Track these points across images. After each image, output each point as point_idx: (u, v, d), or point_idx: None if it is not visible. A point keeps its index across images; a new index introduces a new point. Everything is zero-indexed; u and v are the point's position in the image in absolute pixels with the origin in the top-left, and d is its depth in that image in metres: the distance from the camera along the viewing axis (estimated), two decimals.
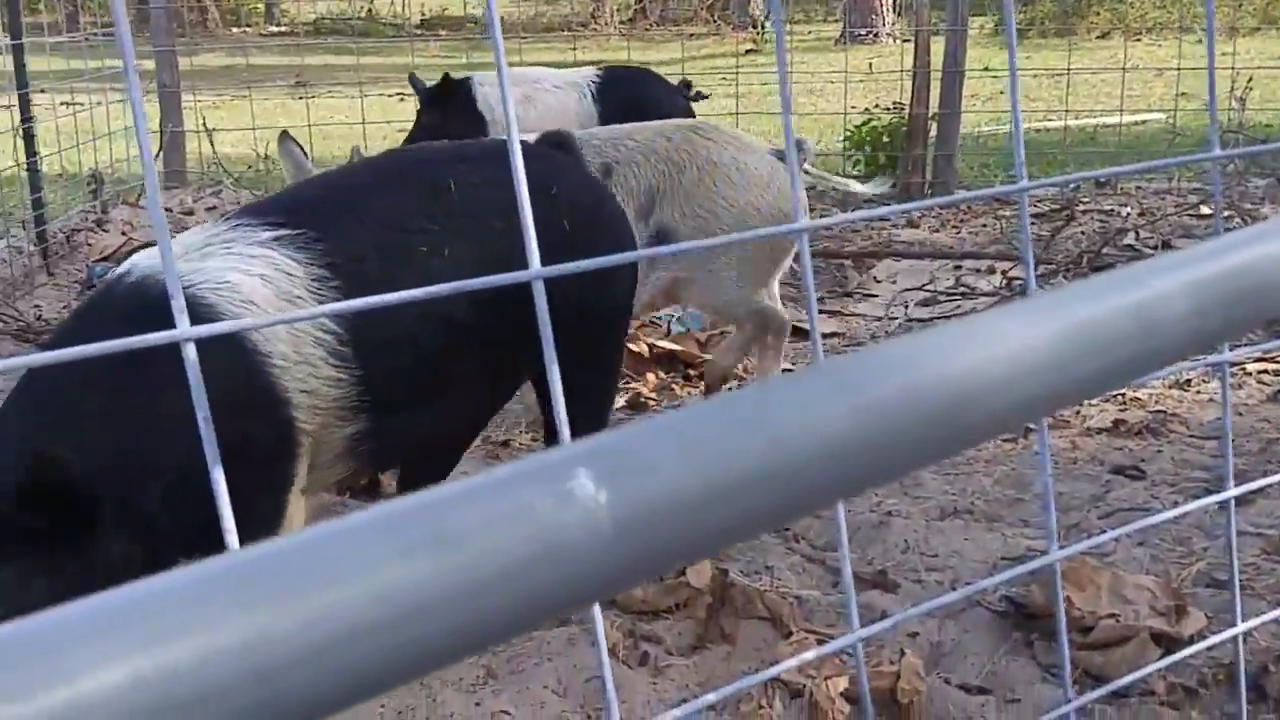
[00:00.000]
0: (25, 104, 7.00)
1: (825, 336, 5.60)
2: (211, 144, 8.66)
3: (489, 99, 6.62)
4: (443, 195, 3.11)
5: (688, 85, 7.15)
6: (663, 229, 4.62)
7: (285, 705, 0.58)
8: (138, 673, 0.54)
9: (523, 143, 3.90)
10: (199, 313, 2.70)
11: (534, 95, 6.73)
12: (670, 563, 0.73)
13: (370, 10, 25.46)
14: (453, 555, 0.64)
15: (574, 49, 13.76)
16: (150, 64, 8.89)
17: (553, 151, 3.51)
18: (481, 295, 2.95)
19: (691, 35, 20.03)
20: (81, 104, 8.00)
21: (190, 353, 1.13)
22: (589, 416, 3.38)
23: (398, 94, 12.98)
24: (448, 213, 3.08)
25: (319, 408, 2.90)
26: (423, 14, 24.80)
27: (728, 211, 4.66)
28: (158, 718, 0.54)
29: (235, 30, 23.27)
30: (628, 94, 6.72)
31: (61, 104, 8.22)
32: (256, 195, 7.95)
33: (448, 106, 6.58)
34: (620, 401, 4.85)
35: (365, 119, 9.06)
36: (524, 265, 3.34)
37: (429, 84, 6.73)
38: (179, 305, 1.18)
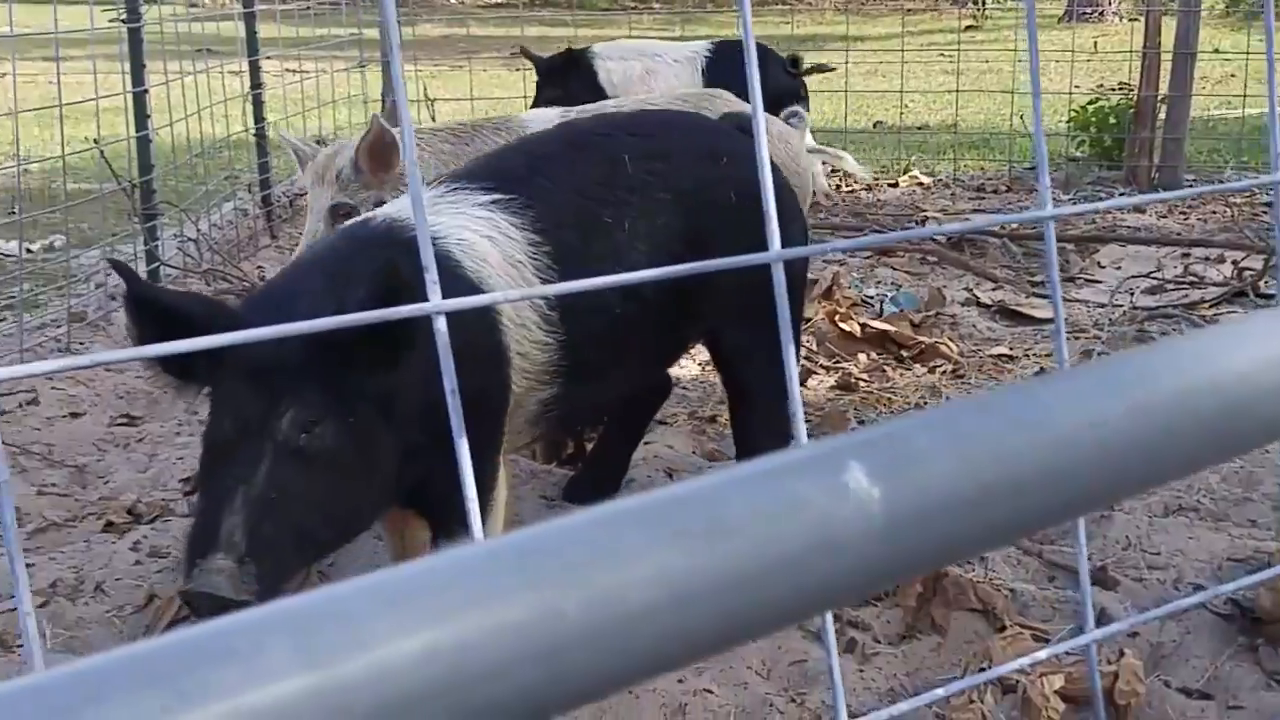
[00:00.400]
0: (255, 70, 7.19)
1: (1044, 323, 5.49)
2: (432, 114, 8.80)
3: (611, 73, 6.62)
4: (619, 167, 3.21)
5: (794, 61, 7.09)
6: None
7: (566, 684, 0.59)
8: (431, 644, 0.55)
9: (705, 117, 3.90)
10: (445, 265, 2.76)
11: (656, 69, 6.74)
12: (940, 561, 0.72)
13: None
14: (728, 543, 0.64)
15: (789, 22, 13.68)
16: (373, 33, 9.07)
17: (727, 126, 3.58)
18: (660, 265, 3.01)
19: (909, 10, 19.76)
20: (308, 72, 8.19)
21: (441, 325, 1.15)
22: (775, 380, 3.44)
23: None
24: (626, 185, 3.19)
25: (527, 370, 2.98)
26: None
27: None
28: (449, 689, 0.55)
29: (454, 1, 23.64)
30: (737, 69, 6.68)
31: (287, 70, 8.43)
32: None
33: (569, 79, 6.60)
34: (830, 381, 4.82)
35: None
36: (697, 238, 3.35)
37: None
38: (432, 278, 1.20)
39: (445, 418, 2.97)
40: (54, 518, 3.86)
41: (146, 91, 5.70)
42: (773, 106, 6.05)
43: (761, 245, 3.62)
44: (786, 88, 6.76)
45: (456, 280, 2.79)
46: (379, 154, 4.14)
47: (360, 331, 2.44)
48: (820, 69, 7.41)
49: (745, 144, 3.47)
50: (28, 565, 3.54)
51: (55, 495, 4.03)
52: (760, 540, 0.65)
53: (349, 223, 3.13)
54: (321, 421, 2.59)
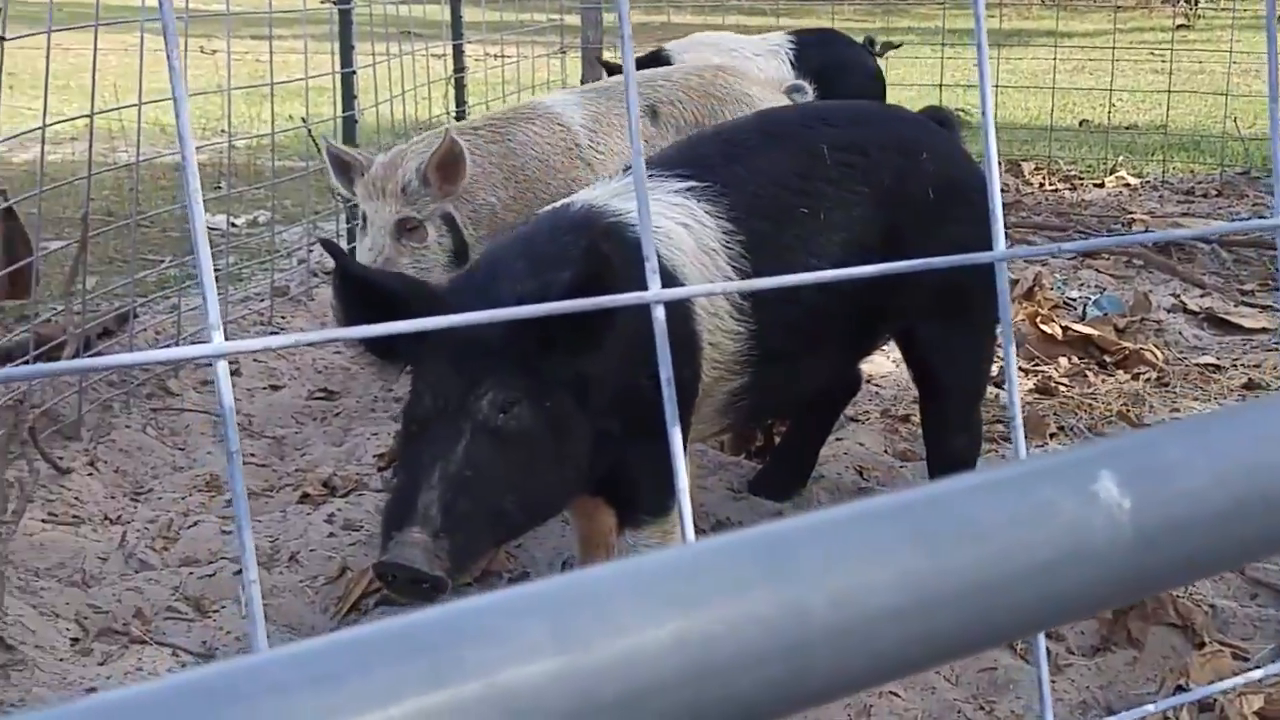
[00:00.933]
0: (459, 54, 7.29)
1: (1254, 332, 5.33)
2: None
3: None
4: (817, 159, 3.19)
5: (872, 42, 6.95)
6: None
7: (808, 682, 0.59)
8: (680, 634, 0.55)
9: (902, 109, 3.85)
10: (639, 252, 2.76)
11: (734, 63, 6.65)
12: (1189, 575, 0.70)
13: None
14: (975, 548, 0.63)
15: (997, 17, 13.45)
16: (574, 19, 9.14)
17: (929, 122, 3.53)
18: (854, 258, 3.01)
19: (1119, 7, 19.32)
20: (509, 56, 8.28)
21: (659, 314, 1.15)
22: (969, 374, 3.49)
23: None
24: (824, 177, 3.17)
25: (717, 360, 2.98)
26: None
27: None
28: (694, 679, 0.55)
29: None
30: (827, 56, 6.54)
31: (488, 55, 8.53)
32: None
33: None
34: (1029, 385, 4.73)
35: None
36: (893, 233, 3.31)
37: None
38: (652, 267, 1.20)
39: (637, 405, 3.00)
40: (252, 487, 3.97)
41: (354, 72, 5.82)
42: (858, 92, 5.93)
43: (954, 242, 3.62)
44: (874, 69, 6.67)
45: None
46: (449, 167, 4.01)
47: (562, 315, 2.47)
48: (890, 46, 7.35)
49: (942, 139, 3.44)
50: (226, 533, 3.64)
51: (254, 465, 4.13)
52: (1008, 546, 0.64)
53: (548, 209, 3.13)
54: (519, 403, 2.63)
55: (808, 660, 0.58)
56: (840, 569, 0.59)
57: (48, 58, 3.91)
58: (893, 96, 8.84)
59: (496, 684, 0.52)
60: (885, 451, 4.18)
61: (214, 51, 9.88)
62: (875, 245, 3.13)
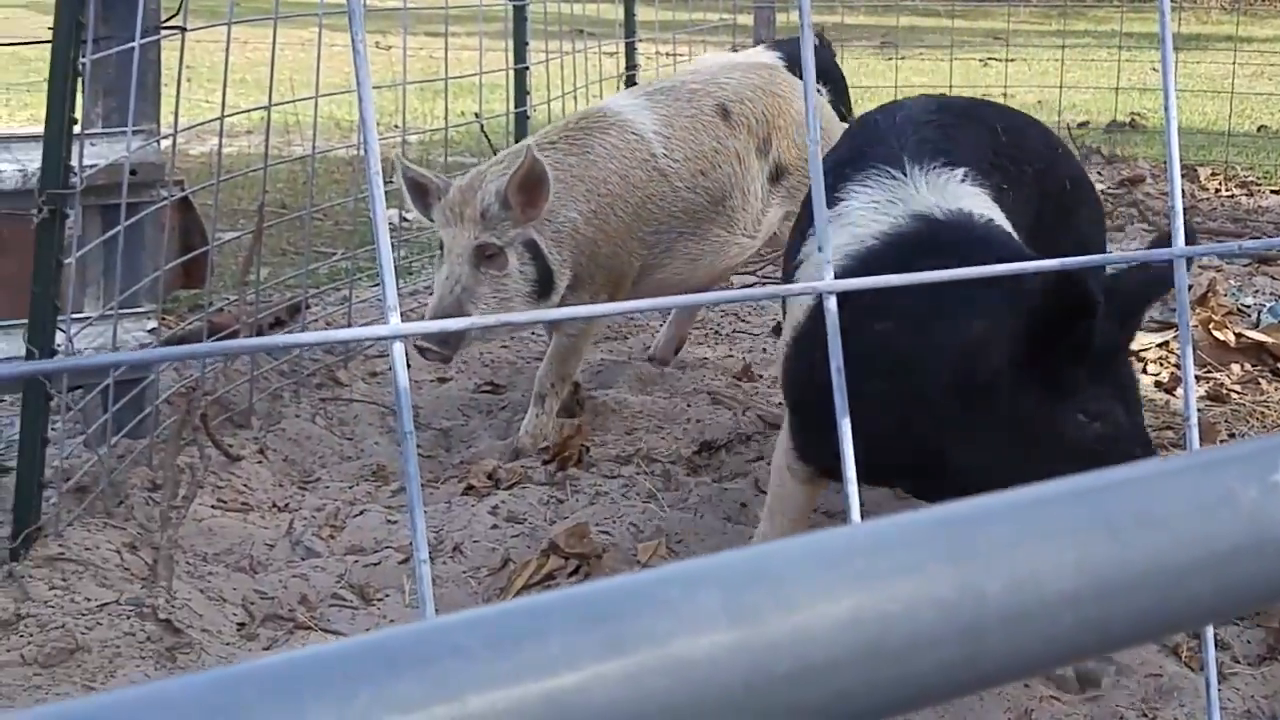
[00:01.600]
0: (631, 52, 7.33)
1: None
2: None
3: None
4: (997, 139, 3.19)
5: (820, 38, 6.77)
6: (779, 165, 4.44)
7: (981, 664, 0.58)
8: (855, 611, 0.55)
9: (1025, 114, 3.79)
10: (1012, 244, 2.78)
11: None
12: None
13: None
14: (1154, 535, 0.62)
15: (1175, 21, 13.15)
16: (746, 19, 9.14)
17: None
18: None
19: None
20: (682, 55, 8.31)
21: (831, 304, 1.15)
22: None
23: (984, 58, 12.82)
24: (1007, 156, 3.17)
25: None
26: None
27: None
28: (868, 657, 0.55)
29: None
30: (819, 63, 6.39)
31: (658, 53, 8.57)
32: None
33: None
34: (1200, 391, 4.63)
35: (952, 82, 8.99)
36: (1038, 219, 3.25)
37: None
38: (825, 257, 1.20)
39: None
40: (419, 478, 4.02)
41: (527, 69, 5.88)
42: (840, 96, 5.77)
43: (1077, 241, 3.57)
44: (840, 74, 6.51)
45: (1025, 255, 2.77)
46: (532, 188, 3.78)
47: None
48: (886, 43, 7.21)
49: (1059, 139, 3.48)
50: (392, 522, 3.70)
51: (420, 456, 4.19)
52: (1187, 534, 0.62)
53: (916, 219, 2.91)
54: None
55: (982, 643, 0.57)
56: (1018, 552, 0.58)
57: (227, 51, 4.01)
58: (1068, 99, 8.69)
59: (671, 654, 0.52)
60: None
61: (389, 47, 10.05)
62: (1030, 227, 3.11)
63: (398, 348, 1.03)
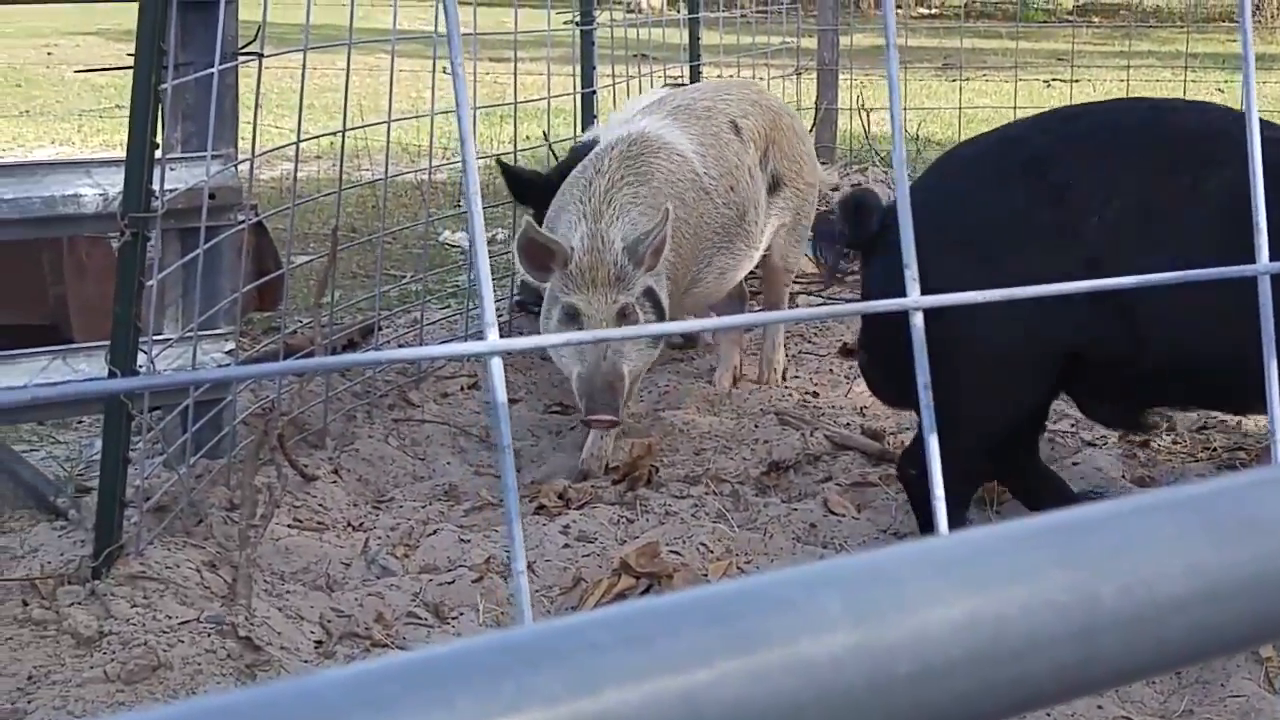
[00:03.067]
0: (695, 75, 7.36)
1: None
2: (865, 123, 8.81)
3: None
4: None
5: None
6: (776, 175, 4.61)
7: (1095, 667, 0.60)
8: (972, 614, 0.57)
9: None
10: None
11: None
12: None
13: None
14: (1263, 542, 0.63)
15: (1239, 41, 13.04)
16: (810, 42, 9.15)
17: None
18: None
19: None
20: (747, 78, 8.34)
21: (918, 321, 1.16)
22: None
23: (1048, 79, 12.78)
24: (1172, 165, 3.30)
25: None
26: (1076, 0, 24.23)
27: (807, 158, 4.78)
28: (985, 659, 0.57)
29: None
30: None
31: (721, 76, 8.58)
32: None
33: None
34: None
35: (1015, 104, 8.96)
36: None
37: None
38: (912, 274, 1.21)
39: None
40: (490, 498, 4.05)
41: (594, 93, 5.92)
42: None
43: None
44: None
45: None
46: (665, 242, 3.83)
47: None
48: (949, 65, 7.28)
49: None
50: (465, 541, 3.73)
51: (491, 476, 4.22)
52: None
53: None
54: None
55: (1095, 646, 0.59)
56: (1130, 557, 0.60)
57: (304, 76, 4.07)
58: None
59: (796, 654, 0.54)
60: (1123, 477, 4.10)
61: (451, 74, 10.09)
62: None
63: (495, 363, 1.05)
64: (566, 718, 0.51)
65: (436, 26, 4.73)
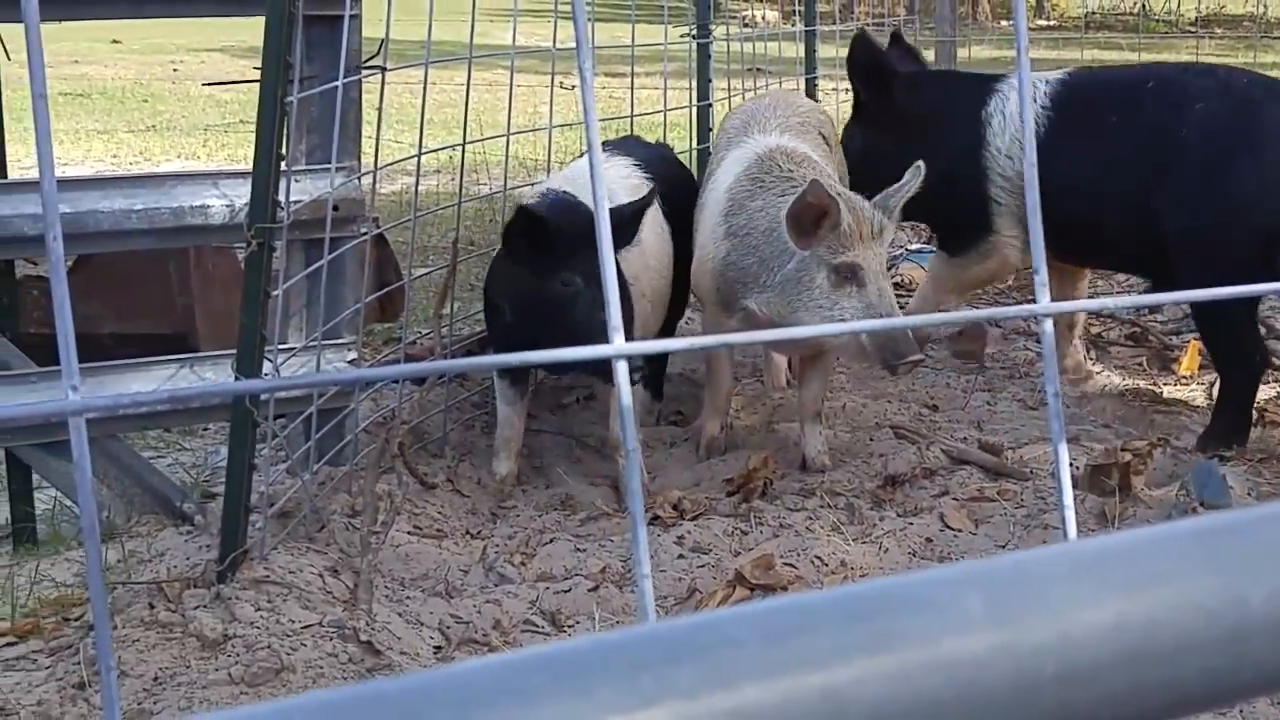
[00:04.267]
0: (811, 88, 7.34)
1: None
2: None
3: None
4: None
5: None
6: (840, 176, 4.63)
7: (1243, 672, 0.59)
8: (1120, 617, 0.56)
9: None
10: None
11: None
12: None
13: (1144, 6, 24.78)
14: None
15: None
16: (928, 54, 9.09)
17: None
18: None
19: None
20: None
21: (1048, 327, 1.15)
22: None
23: None
24: None
25: None
26: (1198, 11, 23.86)
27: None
28: (1132, 663, 0.56)
29: (1004, 23, 23.40)
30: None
31: (832, 90, 8.55)
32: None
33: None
34: None
35: None
36: None
37: None
38: (1042, 280, 1.20)
39: None
40: (605, 507, 4.07)
41: (710, 106, 5.93)
42: None
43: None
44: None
45: None
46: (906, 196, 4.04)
47: None
48: None
49: None
50: (580, 551, 3.74)
51: (606, 487, 4.24)
52: None
53: None
54: None
55: (1244, 650, 0.58)
56: (1276, 561, 0.59)
57: (425, 89, 4.11)
58: None
59: (938, 653, 0.53)
60: (1248, 494, 4.02)
61: (572, 87, 10.20)
62: None
63: (621, 366, 1.05)
64: (704, 711, 0.51)
65: (554, 41, 4.76)
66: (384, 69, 3.80)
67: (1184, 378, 5.08)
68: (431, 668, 2.73)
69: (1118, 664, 0.55)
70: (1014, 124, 4.65)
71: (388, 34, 3.75)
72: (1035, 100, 4.68)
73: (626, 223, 3.86)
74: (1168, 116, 4.42)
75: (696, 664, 0.52)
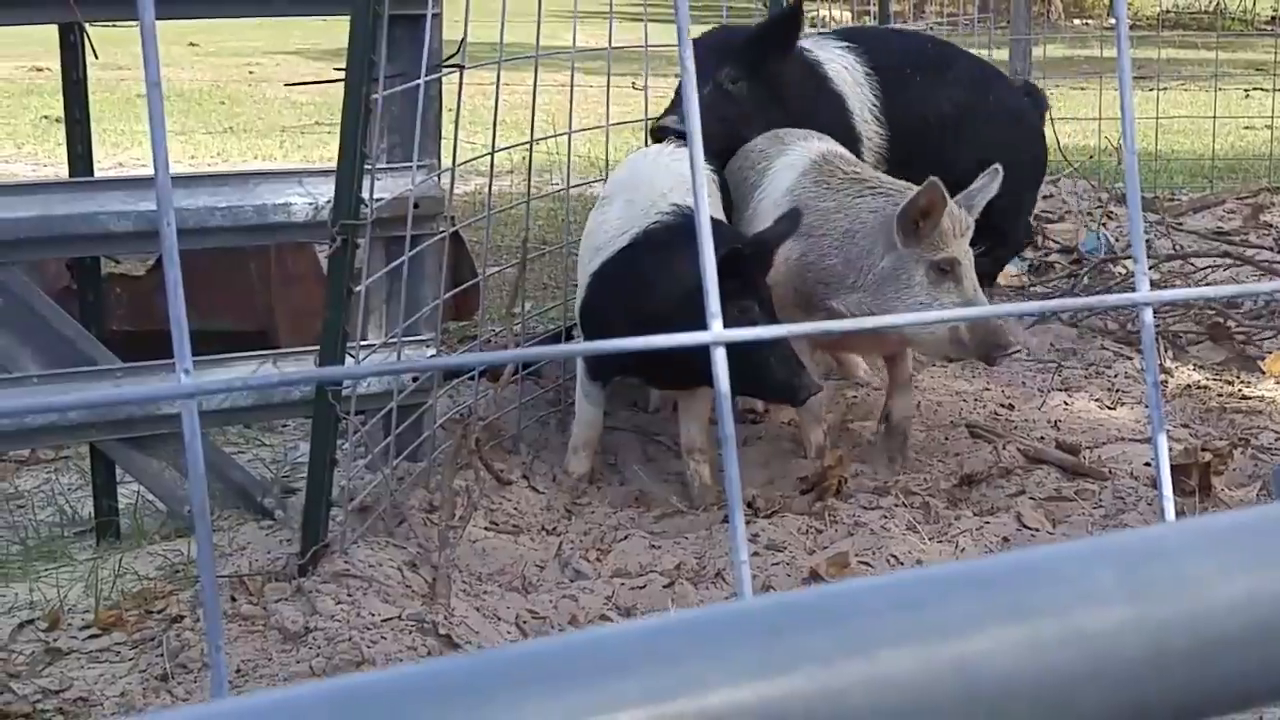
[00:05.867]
0: None
1: None
2: (1056, 134, 8.67)
3: None
4: None
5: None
6: None
7: None
8: (1251, 592, 0.56)
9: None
10: None
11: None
12: None
13: (1219, 5, 24.52)
14: None
15: None
16: (1001, 54, 9.03)
17: None
18: None
19: None
20: None
21: (1147, 317, 1.15)
22: None
23: (1246, 89, 12.46)
24: None
25: None
26: (1274, 10, 23.60)
27: None
28: (1268, 636, 0.56)
29: (1076, 22, 23.24)
30: None
31: None
32: (1093, 184, 7.89)
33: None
34: None
35: (1215, 114, 8.76)
36: None
37: None
38: (1142, 269, 1.20)
39: None
40: (679, 505, 4.07)
41: None
42: None
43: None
44: None
45: None
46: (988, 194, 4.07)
47: None
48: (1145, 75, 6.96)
49: None
50: (655, 547, 3.75)
51: (680, 484, 4.24)
52: None
53: None
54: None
55: None
56: None
57: (497, 90, 4.13)
58: None
59: (1071, 626, 0.54)
60: None
61: (641, 88, 10.21)
62: None
63: (719, 353, 1.06)
64: (840, 677, 0.52)
65: (610, 42, 4.78)
66: (462, 68, 3.83)
67: (1274, 378, 5.01)
68: (579, 630, 2.76)
69: (1248, 639, 0.55)
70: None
71: (466, 32, 3.78)
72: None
73: (769, 251, 3.87)
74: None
75: (832, 632, 0.52)
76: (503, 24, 4.04)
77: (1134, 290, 1.17)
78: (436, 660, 0.51)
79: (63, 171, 4.36)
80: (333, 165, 3.37)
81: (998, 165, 4.04)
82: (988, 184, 4.01)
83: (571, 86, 4.60)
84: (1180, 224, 7.18)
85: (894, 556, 3.62)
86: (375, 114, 3.22)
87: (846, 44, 4.97)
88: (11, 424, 3.55)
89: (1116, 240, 6.75)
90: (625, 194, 4.16)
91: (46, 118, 11.60)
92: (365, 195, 3.20)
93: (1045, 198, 7.80)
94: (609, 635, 0.51)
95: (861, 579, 0.55)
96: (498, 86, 4.14)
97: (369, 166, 3.23)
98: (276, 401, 3.73)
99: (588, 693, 0.47)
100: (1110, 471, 4.16)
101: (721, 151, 4.40)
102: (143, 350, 3.89)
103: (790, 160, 4.30)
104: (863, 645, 0.52)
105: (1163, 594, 0.55)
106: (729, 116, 4.53)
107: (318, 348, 3.43)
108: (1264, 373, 5.02)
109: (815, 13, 9.20)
